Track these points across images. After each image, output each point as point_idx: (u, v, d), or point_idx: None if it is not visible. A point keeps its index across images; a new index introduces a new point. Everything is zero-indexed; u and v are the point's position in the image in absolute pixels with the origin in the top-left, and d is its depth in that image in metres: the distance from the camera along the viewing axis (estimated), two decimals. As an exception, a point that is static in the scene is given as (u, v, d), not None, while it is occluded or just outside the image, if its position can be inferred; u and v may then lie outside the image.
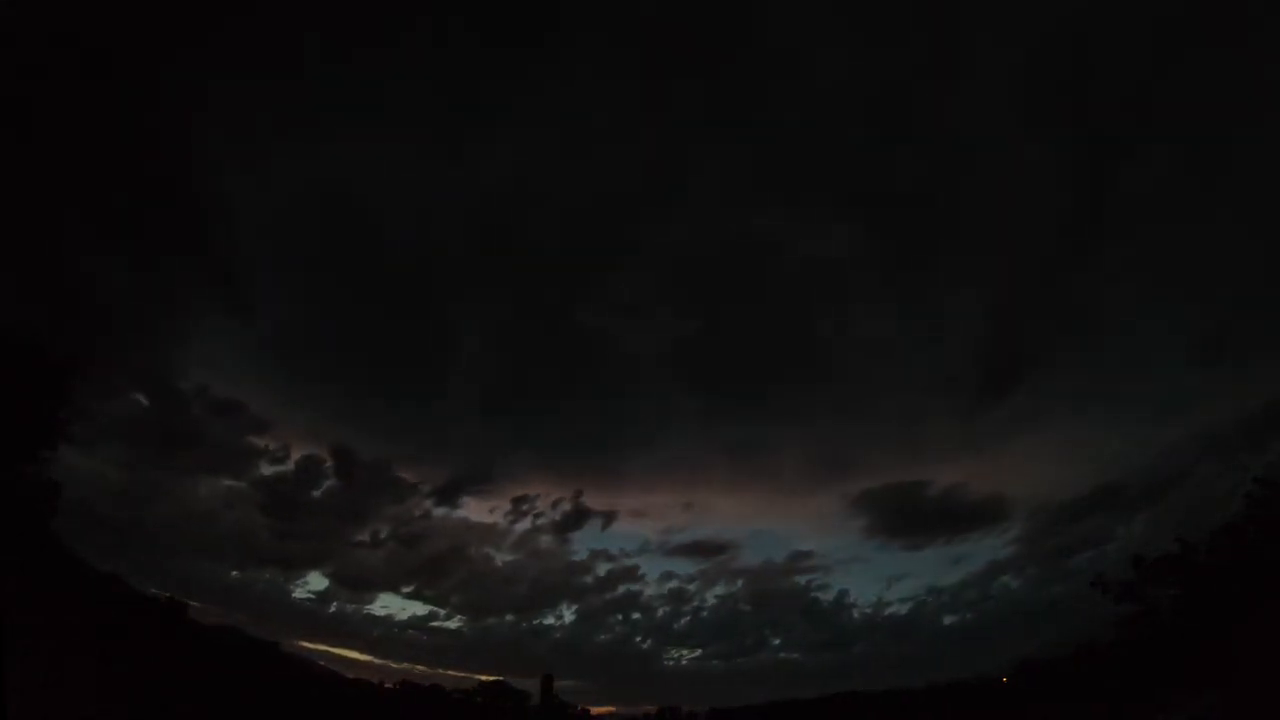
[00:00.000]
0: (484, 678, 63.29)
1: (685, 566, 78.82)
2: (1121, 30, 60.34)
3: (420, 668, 64.74)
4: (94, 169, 55.44)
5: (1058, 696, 39.65)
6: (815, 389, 77.14)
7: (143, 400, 62.89)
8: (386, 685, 58.78)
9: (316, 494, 69.90)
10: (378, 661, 64.21)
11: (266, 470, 67.91)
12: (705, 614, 74.61)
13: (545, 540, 76.08)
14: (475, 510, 74.99)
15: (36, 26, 49.98)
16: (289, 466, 68.61)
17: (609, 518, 75.54)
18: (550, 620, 75.08)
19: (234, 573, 66.56)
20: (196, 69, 58.86)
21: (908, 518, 71.81)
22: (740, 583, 75.86)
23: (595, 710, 65.00)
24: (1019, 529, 68.30)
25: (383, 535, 71.92)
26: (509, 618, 74.29)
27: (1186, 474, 56.94)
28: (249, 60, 60.39)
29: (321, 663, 57.97)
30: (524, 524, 75.29)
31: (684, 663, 73.45)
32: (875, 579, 76.39)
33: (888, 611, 71.75)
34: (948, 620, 69.48)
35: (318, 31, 62.18)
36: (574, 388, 79.01)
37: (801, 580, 74.17)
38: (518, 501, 74.65)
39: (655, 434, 78.91)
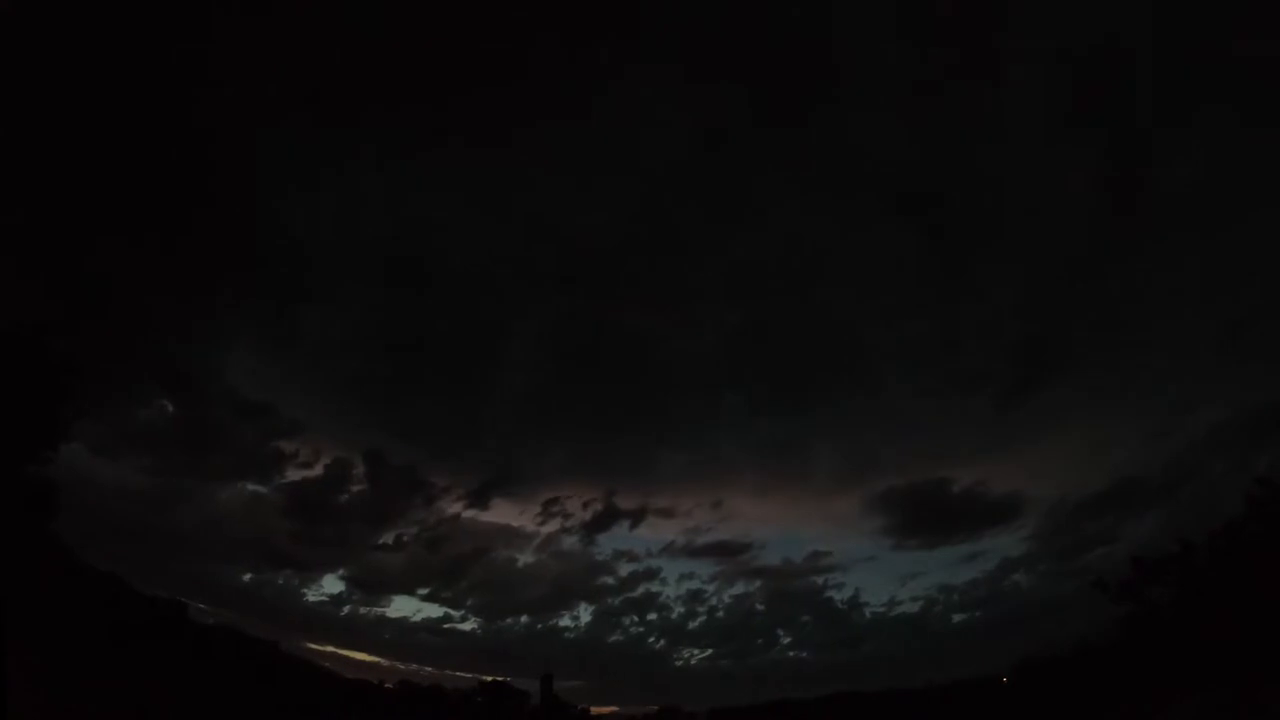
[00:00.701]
0: (489, 678, 63.14)
1: (706, 567, 76.58)
2: (1156, 31, 60.28)
3: (428, 669, 64.42)
4: (139, 171, 55.46)
5: (1058, 696, 39.66)
6: (848, 388, 77.02)
7: (169, 406, 62.65)
8: (386, 685, 58.82)
9: (344, 498, 69.13)
10: (385, 663, 63.90)
11: (294, 475, 67.08)
12: (720, 614, 73.86)
13: (570, 541, 75.03)
14: (505, 513, 73.93)
15: (88, 29, 50.06)
16: (318, 471, 67.78)
17: (637, 517, 74.36)
18: (566, 621, 74.00)
19: (246, 576, 66.04)
20: (252, 77, 59.30)
21: (928, 516, 71.38)
22: (758, 583, 74.97)
23: (596, 710, 65.12)
24: (1032, 526, 67.96)
25: (406, 538, 71.20)
26: (524, 619, 73.52)
27: (1198, 473, 57.22)
28: (301, 69, 60.88)
29: (326, 664, 57.81)
30: (551, 525, 74.14)
31: (693, 663, 72.92)
32: (890, 577, 75.15)
33: (898, 610, 71.04)
34: (956, 619, 69.04)
35: (367, 42, 62.46)
36: (611, 389, 78.45)
37: (819, 580, 73.34)
38: (548, 504, 73.55)
39: (690, 434, 78.60)
